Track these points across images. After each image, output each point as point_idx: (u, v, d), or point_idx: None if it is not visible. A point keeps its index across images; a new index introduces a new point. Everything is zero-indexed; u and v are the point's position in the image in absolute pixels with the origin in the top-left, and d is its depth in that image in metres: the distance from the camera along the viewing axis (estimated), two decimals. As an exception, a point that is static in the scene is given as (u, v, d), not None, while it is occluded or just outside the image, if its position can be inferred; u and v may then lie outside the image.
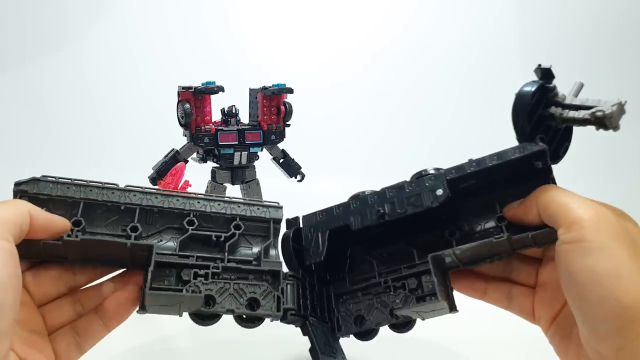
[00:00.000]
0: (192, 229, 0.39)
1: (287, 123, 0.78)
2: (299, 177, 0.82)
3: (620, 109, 0.31)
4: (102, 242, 0.36)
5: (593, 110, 0.32)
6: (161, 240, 0.40)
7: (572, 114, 0.34)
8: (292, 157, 0.82)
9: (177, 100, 0.72)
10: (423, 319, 0.40)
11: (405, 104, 1.54)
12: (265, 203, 0.43)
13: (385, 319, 0.41)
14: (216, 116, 0.77)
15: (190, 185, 0.72)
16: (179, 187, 0.71)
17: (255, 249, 0.41)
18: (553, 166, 0.36)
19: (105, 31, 1.53)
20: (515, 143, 0.37)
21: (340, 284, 0.44)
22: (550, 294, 0.37)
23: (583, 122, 0.33)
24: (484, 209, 0.38)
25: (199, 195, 0.41)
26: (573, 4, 1.63)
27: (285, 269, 0.42)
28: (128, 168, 1.14)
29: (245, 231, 0.41)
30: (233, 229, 0.41)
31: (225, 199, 0.42)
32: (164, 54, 1.51)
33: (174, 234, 0.40)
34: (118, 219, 0.39)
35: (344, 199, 0.45)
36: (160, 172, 0.74)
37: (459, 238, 0.39)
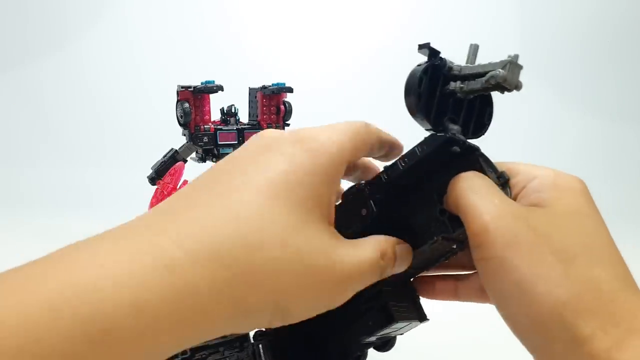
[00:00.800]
0: None
1: (287, 122, 0.78)
2: (298, 177, 0.82)
3: (513, 66, 0.28)
4: None
5: (487, 77, 0.30)
6: None
7: (472, 84, 0.31)
8: (292, 157, 0.82)
9: (176, 100, 0.72)
10: (402, 334, 0.39)
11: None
12: None
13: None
14: (215, 115, 0.76)
15: None
16: (177, 187, 0.71)
17: None
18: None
19: (104, 31, 1.52)
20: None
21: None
22: None
23: (485, 90, 0.31)
24: (426, 205, 0.35)
25: None
26: (573, 4, 1.63)
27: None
28: (127, 168, 1.14)
29: None
30: None
31: None
32: (163, 54, 1.51)
33: None
34: None
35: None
36: (159, 172, 0.74)
37: (410, 244, 0.35)
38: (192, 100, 0.71)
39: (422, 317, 0.35)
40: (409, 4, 1.61)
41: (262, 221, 0.22)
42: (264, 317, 0.22)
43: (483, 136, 0.36)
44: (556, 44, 1.60)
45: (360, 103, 1.53)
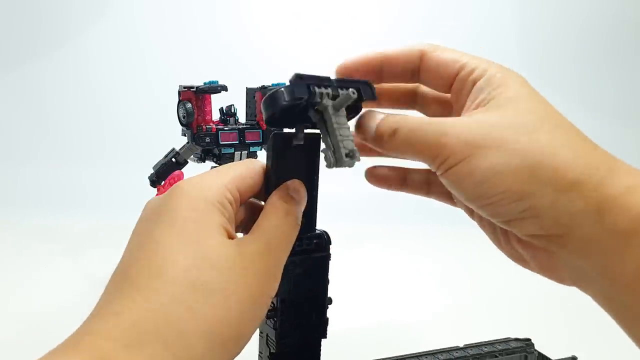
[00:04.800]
0: None
1: (285, 122, 0.78)
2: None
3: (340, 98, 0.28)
4: None
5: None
6: None
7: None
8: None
9: (177, 100, 0.72)
10: None
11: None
12: None
13: None
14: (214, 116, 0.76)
15: None
16: None
17: None
18: None
19: (104, 31, 1.53)
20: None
21: None
22: None
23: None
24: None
25: None
26: (572, 3, 1.64)
27: None
28: (128, 168, 1.14)
29: None
30: None
31: None
32: (161, 54, 1.51)
33: None
34: None
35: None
36: (160, 175, 0.74)
37: None
38: (194, 100, 0.71)
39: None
40: (409, 3, 1.62)
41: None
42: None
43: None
44: (555, 43, 1.60)
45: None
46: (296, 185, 0.31)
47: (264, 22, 1.56)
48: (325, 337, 0.35)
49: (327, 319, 0.35)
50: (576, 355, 0.53)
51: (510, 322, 0.69)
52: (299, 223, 0.29)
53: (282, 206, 0.29)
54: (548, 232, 0.25)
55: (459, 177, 0.26)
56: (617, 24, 1.64)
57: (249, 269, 0.25)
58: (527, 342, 0.56)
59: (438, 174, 0.27)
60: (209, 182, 0.27)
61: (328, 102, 0.28)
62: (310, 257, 0.32)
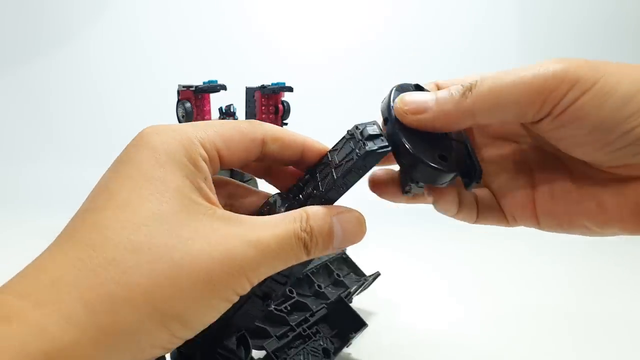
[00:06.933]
0: None
1: (285, 122, 0.79)
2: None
3: None
4: None
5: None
6: None
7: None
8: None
9: (176, 99, 0.72)
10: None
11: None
12: None
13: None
14: (213, 115, 0.77)
15: None
16: None
17: None
18: None
19: (103, 31, 1.53)
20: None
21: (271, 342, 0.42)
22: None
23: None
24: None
25: None
26: (571, 2, 1.64)
27: None
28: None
29: None
30: None
31: None
32: (161, 53, 1.51)
33: None
34: None
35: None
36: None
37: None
38: (194, 99, 0.71)
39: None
40: (409, 2, 1.61)
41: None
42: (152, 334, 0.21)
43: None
44: (554, 42, 1.60)
45: (360, 102, 1.53)
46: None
47: (263, 21, 1.56)
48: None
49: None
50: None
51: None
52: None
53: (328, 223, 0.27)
54: None
55: (597, 101, 0.22)
56: (616, 25, 1.64)
57: (220, 249, 0.21)
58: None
59: (556, 114, 0.24)
60: (178, 135, 0.24)
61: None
62: None
